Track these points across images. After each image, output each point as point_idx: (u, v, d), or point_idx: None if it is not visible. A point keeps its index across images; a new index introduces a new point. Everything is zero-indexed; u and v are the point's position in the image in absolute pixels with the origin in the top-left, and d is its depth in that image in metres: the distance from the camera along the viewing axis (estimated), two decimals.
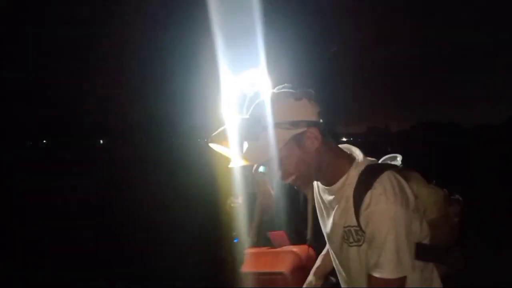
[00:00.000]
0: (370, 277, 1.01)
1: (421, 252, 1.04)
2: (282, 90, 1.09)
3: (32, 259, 4.72)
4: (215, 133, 1.16)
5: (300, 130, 1.04)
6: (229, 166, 1.29)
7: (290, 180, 1.10)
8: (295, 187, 1.23)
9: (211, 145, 1.19)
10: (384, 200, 0.98)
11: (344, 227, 1.08)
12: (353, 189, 1.05)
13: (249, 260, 1.91)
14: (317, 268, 1.49)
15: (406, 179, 1.09)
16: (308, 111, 1.06)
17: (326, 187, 1.14)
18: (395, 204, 0.98)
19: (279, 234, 1.99)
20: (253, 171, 1.65)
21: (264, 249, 1.99)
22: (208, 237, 4.22)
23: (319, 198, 1.22)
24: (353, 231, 1.06)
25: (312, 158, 1.06)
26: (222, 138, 1.14)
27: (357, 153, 1.14)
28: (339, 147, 1.14)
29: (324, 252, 1.49)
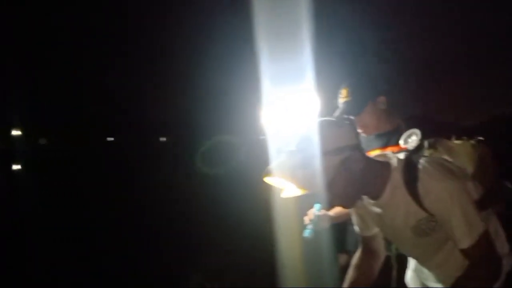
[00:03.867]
0: (462, 251, 1.14)
1: (480, 205, 1.18)
2: (324, 119, 1.20)
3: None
4: (268, 168, 1.19)
5: (345, 155, 1.14)
6: (282, 196, 1.35)
7: (339, 202, 1.23)
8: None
9: (266, 179, 1.22)
10: (436, 183, 1.12)
11: (414, 225, 1.20)
12: (405, 190, 1.16)
13: None
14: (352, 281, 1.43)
15: (436, 150, 1.27)
16: (350, 136, 1.18)
17: (374, 201, 1.24)
18: (446, 180, 1.12)
19: None
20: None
21: None
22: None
23: (367, 212, 1.33)
24: (424, 223, 1.19)
25: (358, 178, 1.17)
26: (275, 172, 1.18)
27: (390, 156, 1.25)
28: (375, 160, 1.25)
29: (355, 262, 1.45)
